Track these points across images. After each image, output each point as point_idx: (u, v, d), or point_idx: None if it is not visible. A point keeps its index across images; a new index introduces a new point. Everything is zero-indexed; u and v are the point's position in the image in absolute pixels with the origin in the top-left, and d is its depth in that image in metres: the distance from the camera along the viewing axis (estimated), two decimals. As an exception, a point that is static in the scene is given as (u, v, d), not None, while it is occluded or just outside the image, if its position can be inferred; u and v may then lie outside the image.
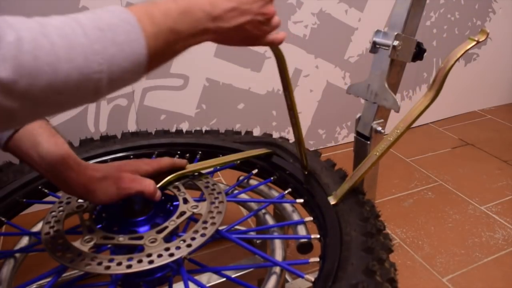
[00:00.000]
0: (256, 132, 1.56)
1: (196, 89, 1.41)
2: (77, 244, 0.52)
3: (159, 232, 0.54)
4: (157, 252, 0.51)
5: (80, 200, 0.61)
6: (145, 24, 0.40)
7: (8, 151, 0.55)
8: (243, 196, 0.79)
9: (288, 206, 0.76)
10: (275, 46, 0.57)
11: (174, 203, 0.61)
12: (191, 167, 0.69)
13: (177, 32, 0.43)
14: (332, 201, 0.66)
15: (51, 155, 0.53)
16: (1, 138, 0.54)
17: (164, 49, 0.42)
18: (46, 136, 0.55)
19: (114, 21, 0.38)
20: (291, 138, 0.89)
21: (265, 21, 0.51)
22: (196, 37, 0.45)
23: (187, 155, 0.87)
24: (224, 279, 0.67)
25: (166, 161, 0.66)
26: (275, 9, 0.52)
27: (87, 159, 0.81)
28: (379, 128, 0.84)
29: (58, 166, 0.54)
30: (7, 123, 0.35)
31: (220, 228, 0.58)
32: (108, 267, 0.48)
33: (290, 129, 1.61)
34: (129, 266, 0.48)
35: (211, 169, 0.78)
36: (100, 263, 0.49)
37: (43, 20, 0.36)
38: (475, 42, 0.62)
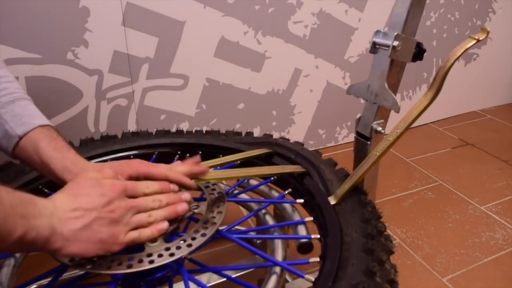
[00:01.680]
0: (256, 132, 1.56)
1: (196, 89, 1.41)
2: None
3: (159, 232, 0.54)
4: (157, 252, 0.51)
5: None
6: None
7: (16, 158, 0.61)
8: (244, 196, 0.79)
9: (288, 206, 0.76)
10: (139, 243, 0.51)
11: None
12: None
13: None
14: (332, 201, 0.66)
15: (50, 159, 0.57)
16: (8, 147, 0.59)
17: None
18: (47, 141, 0.59)
19: None
20: (291, 138, 0.89)
21: (116, 219, 0.48)
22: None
23: (187, 155, 0.87)
24: (224, 279, 0.67)
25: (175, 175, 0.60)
26: (133, 203, 0.51)
27: (88, 159, 0.81)
28: (379, 129, 0.84)
29: (57, 169, 0.57)
30: None
31: (221, 228, 0.58)
32: (108, 267, 0.48)
33: (290, 129, 1.62)
34: (129, 266, 0.48)
35: (211, 169, 0.78)
36: (100, 263, 0.49)
37: None
38: (475, 41, 0.62)
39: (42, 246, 0.44)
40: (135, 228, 0.51)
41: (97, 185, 0.50)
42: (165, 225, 0.52)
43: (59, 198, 0.48)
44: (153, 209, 0.53)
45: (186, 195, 0.57)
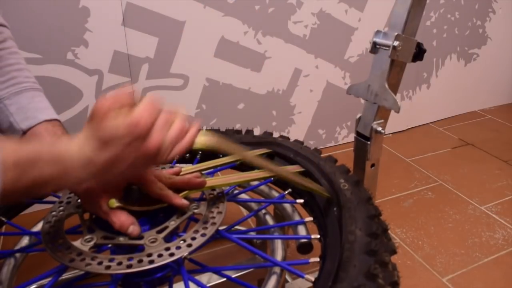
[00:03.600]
0: (256, 132, 1.56)
1: (196, 89, 1.41)
2: (77, 244, 0.52)
3: (159, 232, 0.54)
4: (157, 252, 0.51)
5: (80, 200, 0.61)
6: (8, 168, 0.37)
7: None
8: (243, 196, 0.79)
9: (288, 206, 0.76)
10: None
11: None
12: (191, 168, 0.69)
13: (41, 182, 0.40)
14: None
15: None
16: None
17: (22, 193, 0.40)
18: (50, 139, 0.56)
19: None
20: (291, 138, 0.89)
21: (151, 158, 0.44)
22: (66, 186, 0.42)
23: (187, 155, 0.87)
24: (224, 279, 0.67)
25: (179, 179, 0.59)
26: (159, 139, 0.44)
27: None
28: (379, 129, 0.84)
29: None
30: None
31: (221, 228, 0.58)
32: (108, 267, 0.48)
33: (290, 128, 1.62)
34: (129, 266, 0.48)
35: (212, 170, 0.78)
36: (100, 263, 0.49)
37: None
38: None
39: (74, 153, 0.40)
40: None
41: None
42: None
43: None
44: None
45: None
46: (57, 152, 0.41)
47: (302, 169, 0.75)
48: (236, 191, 0.79)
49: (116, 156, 0.41)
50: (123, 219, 0.51)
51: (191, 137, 0.48)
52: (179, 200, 0.55)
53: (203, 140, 0.52)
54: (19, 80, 0.60)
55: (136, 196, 0.56)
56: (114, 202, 0.53)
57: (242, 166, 0.82)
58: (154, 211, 0.57)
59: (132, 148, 0.42)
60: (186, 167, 0.74)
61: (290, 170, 0.75)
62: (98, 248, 0.53)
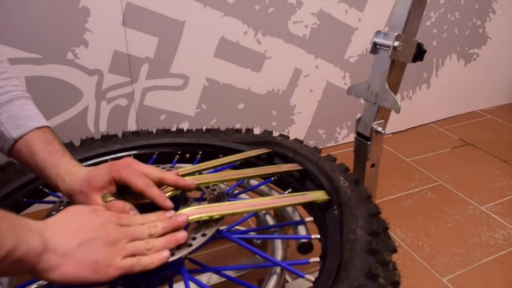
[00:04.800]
0: (256, 132, 1.56)
1: (196, 89, 1.41)
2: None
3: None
4: (157, 252, 0.50)
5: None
6: None
7: (12, 157, 0.60)
8: (244, 196, 0.79)
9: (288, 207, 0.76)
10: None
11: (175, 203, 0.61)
12: (191, 168, 0.69)
13: None
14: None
15: (45, 165, 0.57)
16: (3, 147, 0.59)
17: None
18: (42, 146, 0.58)
19: None
20: (291, 137, 0.89)
21: (113, 241, 0.45)
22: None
23: (188, 155, 0.87)
24: (225, 279, 0.67)
25: (170, 177, 0.58)
26: (128, 230, 0.47)
27: (88, 159, 0.82)
28: (380, 129, 0.84)
29: (51, 176, 0.57)
30: None
31: (221, 228, 0.58)
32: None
33: (290, 128, 1.62)
34: (129, 266, 0.48)
35: (212, 170, 0.78)
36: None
37: None
38: None
39: (32, 265, 0.40)
40: (133, 255, 0.47)
41: (91, 211, 0.48)
42: (166, 253, 0.48)
43: (49, 220, 0.44)
44: (150, 236, 0.49)
45: (183, 217, 0.53)
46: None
47: (300, 168, 0.75)
48: (236, 191, 0.79)
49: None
50: (120, 206, 0.52)
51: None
52: (163, 201, 0.54)
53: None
54: (8, 89, 0.61)
55: (129, 190, 0.56)
56: (107, 196, 0.54)
57: (242, 165, 0.82)
58: (153, 208, 0.57)
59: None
60: (186, 167, 0.74)
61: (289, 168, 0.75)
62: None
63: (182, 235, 0.51)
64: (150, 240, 0.48)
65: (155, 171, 0.57)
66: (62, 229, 0.44)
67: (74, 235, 0.44)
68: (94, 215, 0.47)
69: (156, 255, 0.48)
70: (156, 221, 0.51)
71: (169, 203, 0.55)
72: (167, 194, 0.57)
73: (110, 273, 0.44)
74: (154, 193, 0.54)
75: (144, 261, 0.47)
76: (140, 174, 0.55)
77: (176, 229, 0.52)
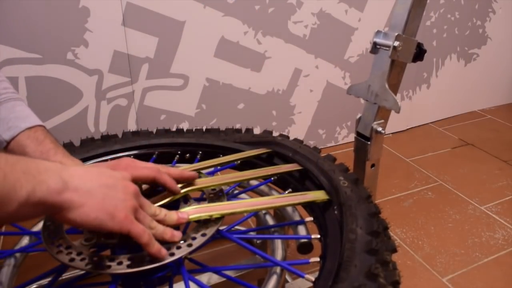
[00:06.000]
0: (256, 132, 1.56)
1: (196, 89, 1.41)
2: (77, 243, 0.52)
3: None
4: (157, 252, 0.50)
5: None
6: None
7: None
8: (244, 196, 0.79)
9: (288, 206, 0.76)
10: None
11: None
12: (190, 168, 0.69)
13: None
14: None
15: None
16: None
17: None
18: (33, 146, 0.58)
19: None
20: (291, 137, 0.89)
21: (129, 197, 0.46)
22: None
23: (188, 155, 0.87)
24: (225, 279, 0.67)
25: (174, 172, 0.60)
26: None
27: (88, 159, 0.82)
28: (380, 129, 0.84)
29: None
30: None
31: (221, 228, 0.58)
32: (108, 267, 0.48)
33: (290, 129, 1.62)
34: (129, 266, 0.48)
35: (212, 169, 0.78)
36: (100, 263, 0.49)
37: None
38: None
39: (53, 204, 0.39)
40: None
41: (108, 171, 0.48)
42: (178, 233, 0.50)
43: (67, 164, 0.45)
44: (154, 216, 0.51)
45: (184, 215, 0.55)
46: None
47: (300, 167, 0.75)
48: (236, 191, 0.79)
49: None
50: None
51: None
52: (174, 185, 0.58)
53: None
54: None
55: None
56: None
57: (242, 165, 0.82)
58: None
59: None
60: (185, 167, 0.74)
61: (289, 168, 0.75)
62: (98, 248, 0.53)
63: (178, 233, 0.52)
64: (153, 222, 0.50)
65: (157, 166, 0.58)
66: (82, 172, 0.44)
67: (94, 177, 0.44)
68: (112, 171, 0.48)
69: (169, 229, 0.50)
70: (159, 208, 0.53)
71: (178, 188, 0.59)
72: (167, 199, 0.58)
73: (124, 225, 0.44)
74: (165, 178, 0.57)
75: (159, 228, 0.49)
76: (144, 167, 0.56)
77: (174, 225, 0.53)
